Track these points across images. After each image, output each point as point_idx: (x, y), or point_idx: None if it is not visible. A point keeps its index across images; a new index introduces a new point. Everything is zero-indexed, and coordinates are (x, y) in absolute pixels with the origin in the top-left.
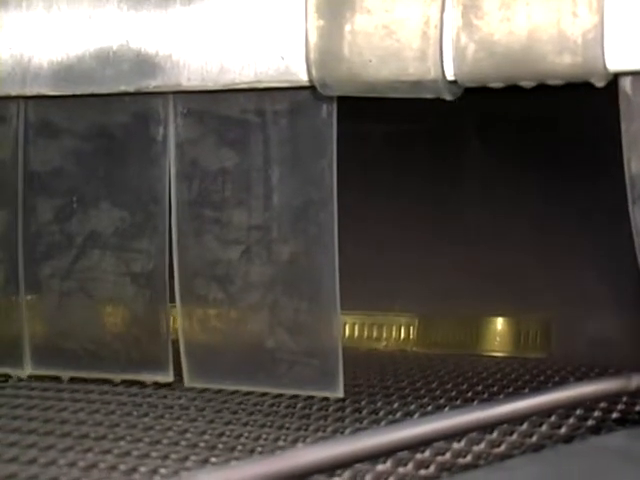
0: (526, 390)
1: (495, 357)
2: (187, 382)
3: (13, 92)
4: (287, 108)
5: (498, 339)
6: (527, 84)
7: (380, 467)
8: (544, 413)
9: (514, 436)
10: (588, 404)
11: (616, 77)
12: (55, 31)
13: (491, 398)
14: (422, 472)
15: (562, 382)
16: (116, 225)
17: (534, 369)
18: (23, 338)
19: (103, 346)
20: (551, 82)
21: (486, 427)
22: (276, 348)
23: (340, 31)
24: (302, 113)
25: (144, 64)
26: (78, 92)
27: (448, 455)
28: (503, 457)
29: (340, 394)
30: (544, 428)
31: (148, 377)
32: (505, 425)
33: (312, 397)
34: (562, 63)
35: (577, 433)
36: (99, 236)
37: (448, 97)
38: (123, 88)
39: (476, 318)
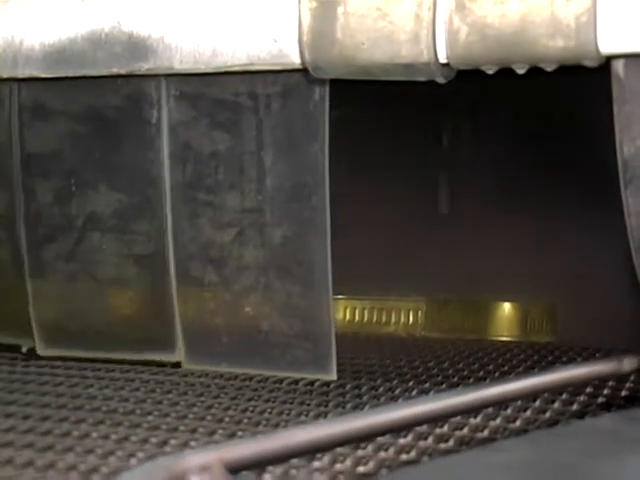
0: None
1: (501, 341)
2: (185, 364)
3: (5, 74)
4: (280, 91)
5: (505, 323)
6: (519, 67)
7: (360, 452)
8: (536, 395)
9: (498, 420)
10: (574, 388)
11: (608, 60)
12: (47, 13)
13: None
14: (403, 456)
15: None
16: (114, 207)
17: (538, 353)
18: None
19: (109, 327)
20: (544, 65)
21: (474, 410)
22: (270, 331)
23: (333, 13)
24: (295, 96)
25: (136, 46)
26: (70, 74)
27: (430, 440)
28: (491, 440)
29: (333, 377)
30: (528, 413)
31: (154, 357)
32: (491, 408)
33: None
34: (555, 46)
35: (563, 417)
36: (98, 218)
37: (441, 80)
38: (115, 70)
39: (483, 302)
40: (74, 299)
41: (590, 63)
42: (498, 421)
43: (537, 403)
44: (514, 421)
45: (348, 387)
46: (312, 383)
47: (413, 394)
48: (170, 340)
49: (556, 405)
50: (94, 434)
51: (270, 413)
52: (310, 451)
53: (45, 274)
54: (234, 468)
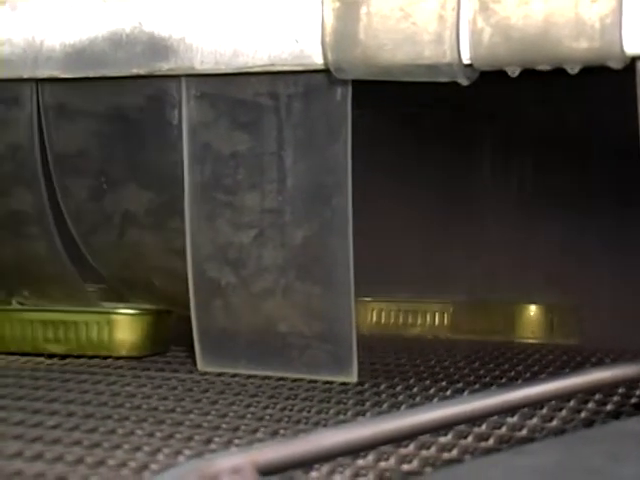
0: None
1: (527, 343)
2: (200, 366)
3: (25, 74)
4: (301, 91)
5: (530, 325)
6: (543, 68)
7: (403, 450)
8: (563, 398)
9: (534, 420)
10: (607, 389)
11: (633, 60)
12: (68, 13)
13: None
14: (445, 455)
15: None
16: (136, 208)
17: (566, 354)
18: None
19: None
20: (567, 66)
21: (506, 411)
22: (289, 332)
23: (356, 14)
24: (316, 96)
25: (157, 47)
26: (90, 75)
27: (470, 439)
28: (524, 441)
29: (354, 379)
30: (564, 413)
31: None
32: (525, 409)
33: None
34: (579, 48)
35: (597, 417)
36: (134, 215)
37: (463, 81)
38: (135, 71)
39: (509, 305)
40: None
41: (615, 64)
42: (535, 420)
43: (572, 403)
44: (550, 420)
45: (382, 387)
46: (346, 383)
47: (447, 394)
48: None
49: (590, 405)
50: (139, 432)
51: (309, 412)
52: (341, 453)
53: None
54: (265, 470)
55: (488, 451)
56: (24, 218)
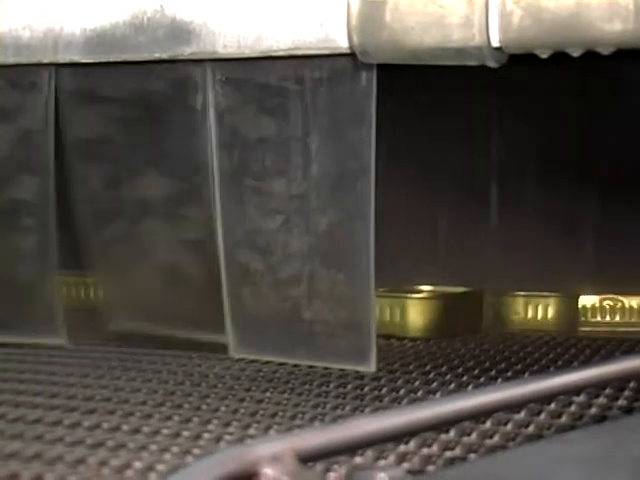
0: None
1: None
2: (232, 352)
3: (45, 59)
4: (326, 75)
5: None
6: (575, 51)
7: (444, 436)
8: (599, 385)
9: (572, 408)
10: None
11: None
12: None
13: None
14: (487, 441)
15: None
16: (160, 195)
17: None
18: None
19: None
20: (600, 49)
21: (541, 399)
22: (314, 320)
23: None
24: (341, 81)
25: (179, 31)
26: (111, 59)
27: (510, 426)
28: (564, 429)
29: (373, 369)
30: (602, 400)
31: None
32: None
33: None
34: (612, 30)
35: (636, 405)
36: (145, 206)
37: (492, 64)
38: (157, 55)
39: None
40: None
41: None
42: (573, 408)
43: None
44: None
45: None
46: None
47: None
48: (220, 324)
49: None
50: (176, 417)
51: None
52: (381, 440)
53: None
54: (306, 458)
55: (529, 438)
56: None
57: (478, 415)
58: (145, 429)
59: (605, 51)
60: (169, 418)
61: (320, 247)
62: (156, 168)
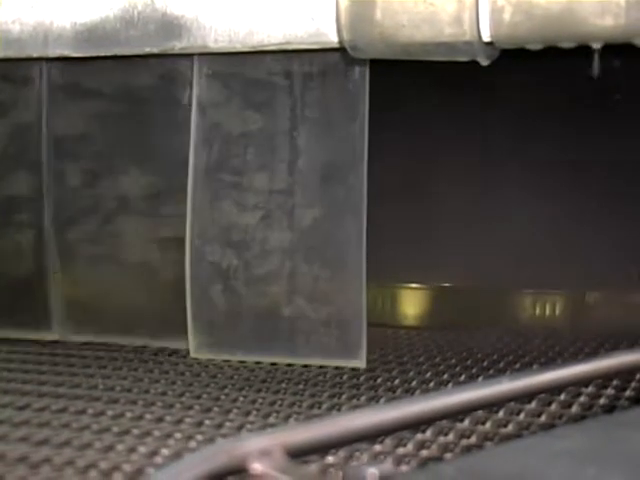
0: None
1: None
2: (193, 352)
3: (35, 53)
4: (317, 70)
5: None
6: (566, 46)
7: (420, 436)
8: (585, 382)
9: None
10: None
11: None
12: None
13: None
14: (464, 441)
15: None
16: (143, 190)
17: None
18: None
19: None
20: (591, 44)
21: (526, 396)
22: (294, 317)
23: None
24: (333, 75)
25: (170, 25)
26: (101, 54)
27: (488, 425)
28: (545, 427)
29: (362, 364)
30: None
31: (174, 344)
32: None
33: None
34: (604, 25)
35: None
36: (126, 200)
37: (483, 60)
38: (148, 49)
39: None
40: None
41: None
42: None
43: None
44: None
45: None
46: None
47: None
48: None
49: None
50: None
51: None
52: (369, 436)
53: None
54: (294, 453)
55: (507, 438)
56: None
57: (467, 411)
58: (169, 418)
59: (596, 46)
60: (190, 408)
61: (303, 243)
62: (143, 161)
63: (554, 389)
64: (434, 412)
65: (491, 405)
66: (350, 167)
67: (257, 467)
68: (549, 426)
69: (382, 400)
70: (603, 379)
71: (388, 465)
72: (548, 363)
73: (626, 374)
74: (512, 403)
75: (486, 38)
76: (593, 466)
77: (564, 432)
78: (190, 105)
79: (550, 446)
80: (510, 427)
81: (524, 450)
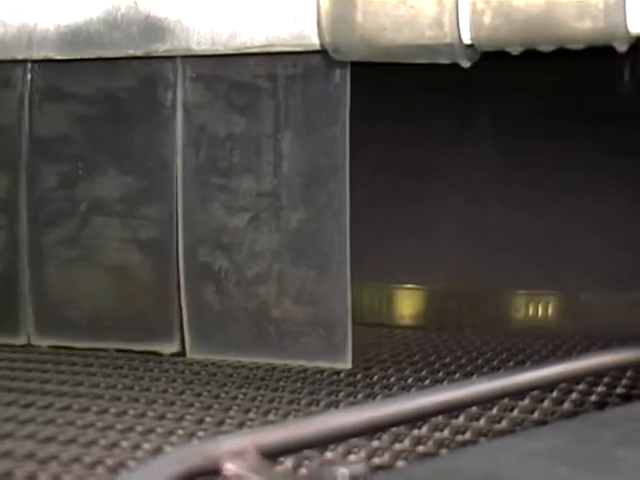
0: None
1: None
2: (189, 353)
3: (19, 55)
4: (300, 72)
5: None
6: (546, 49)
7: (416, 432)
8: (569, 381)
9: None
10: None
11: (638, 40)
12: None
13: None
14: (459, 437)
15: None
16: (123, 191)
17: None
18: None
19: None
20: (571, 47)
21: (519, 393)
22: (282, 318)
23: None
24: (315, 77)
25: (153, 27)
26: (85, 56)
27: (482, 421)
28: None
29: (348, 365)
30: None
31: (154, 347)
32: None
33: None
34: (583, 28)
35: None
36: (105, 202)
37: (464, 62)
38: (131, 52)
39: None
40: (74, 285)
41: (619, 44)
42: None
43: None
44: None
45: None
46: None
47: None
48: (172, 330)
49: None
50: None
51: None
52: (344, 436)
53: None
54: (268, 453)
55: (502, 433)
56: None
57: (447, 411)
58: (170, 415)
59: (576, 48)
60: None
61: (290, 245)
62: (124, 164)
63: (547, 386)
64: (407, 412)
65: (483, 402)
66: (331, 170)
67: (230, 468)
68: (542, 422)
69: (378, 397)
70: (594, 376)
71: (359, 465)
72: (541, 361)
73: (617, 371)
74: (506, 400)
75: (467, 41)
76: (564, 465)
77: (536, 433)
78: (174, 108)
79: (522, 446)
80: (504, 423)
81: (496, 450)
